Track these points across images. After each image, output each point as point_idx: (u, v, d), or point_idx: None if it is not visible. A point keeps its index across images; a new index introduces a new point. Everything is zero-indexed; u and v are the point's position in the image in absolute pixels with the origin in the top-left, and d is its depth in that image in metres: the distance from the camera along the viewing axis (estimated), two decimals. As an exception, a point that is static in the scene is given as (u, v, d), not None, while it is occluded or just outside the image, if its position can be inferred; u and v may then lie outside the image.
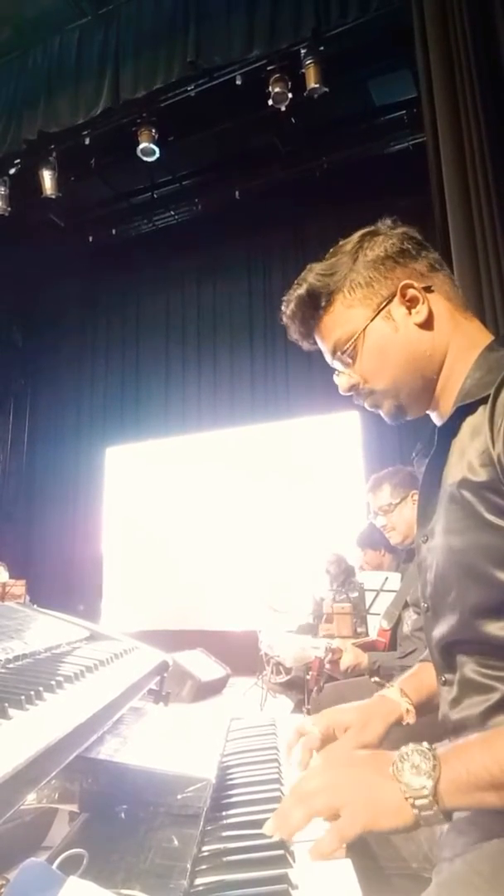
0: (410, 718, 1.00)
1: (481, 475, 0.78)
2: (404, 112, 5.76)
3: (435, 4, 3.22)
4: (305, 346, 1.01)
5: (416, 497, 2.23)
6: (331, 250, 0.98)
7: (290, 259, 7.26)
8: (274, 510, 6.96)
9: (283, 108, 5.02)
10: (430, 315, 0.91)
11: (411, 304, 0.91)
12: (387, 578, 2.85)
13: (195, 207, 7.06)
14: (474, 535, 0.79)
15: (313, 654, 2.41)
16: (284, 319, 0.99)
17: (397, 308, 0.91)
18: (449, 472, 0.85)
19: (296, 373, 7.09)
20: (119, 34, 5.00)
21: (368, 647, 2.29)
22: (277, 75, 4.86)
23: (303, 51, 4.70)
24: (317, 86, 4.69)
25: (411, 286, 0.91)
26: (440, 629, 0.88)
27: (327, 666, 2.21)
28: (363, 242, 0.95)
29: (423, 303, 0.91)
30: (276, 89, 4.88)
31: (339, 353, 0.94)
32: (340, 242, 0.97)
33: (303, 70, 4.73)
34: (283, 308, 0.99)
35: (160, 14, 4.85)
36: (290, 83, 4.86)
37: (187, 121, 5.71)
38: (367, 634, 2.73)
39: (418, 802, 0.66)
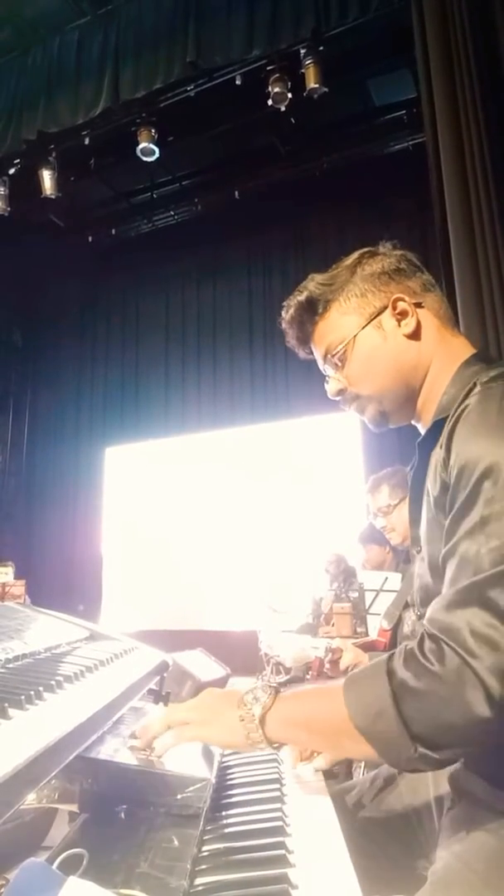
0: None
1: (437, 489, 0.83)
2: (404, 112, 5.76)
3: (435, 4, 3.22)
4: (301, 353, 1.06)
5: None
6: (333, 265, 1.03)
7: (290, 259, 7.26)
8: (274, 510, 6.96)
9: (282, 108, 5.01)
10: (419, 328, 0.96)
11: (401, 316, 0.96)
12: (387, 578, 2.85)
13: (195, 207, 7.05)
14: (441, 545, 0.82)
15: (313, 655, 2.41)
16: (283, 325, 1.04)
17: (388, 319, 0.96)
18: (428, 486, 0.89)
19: (295, 373, 7.08)
20: (119, 34, 5.00)
21: (368, 648, 2.28)
22: (277, 75, 4.85)
23: (302, 51, 4.69)
24: (316, 86, 4.68)
25: (402, 299, 0.96)
26: None
27: (327, 666, 2.21)
28: (362, 259, 1.01)
29: (412, 316, 0.96)
30: (276, 89, 4.87)
31: (329, 357, 0.99)
32: (342, 258, 1.03)
33: (303, 70, 4.73)
34: (282, 314, 1.04)
35: (160, 14, 4.85)
36: (289, 83, 4.85)
37: (187, 121, 5.71)
38: (367, 634, 2.73)
39: (248, 725, 0.80)
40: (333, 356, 0.98)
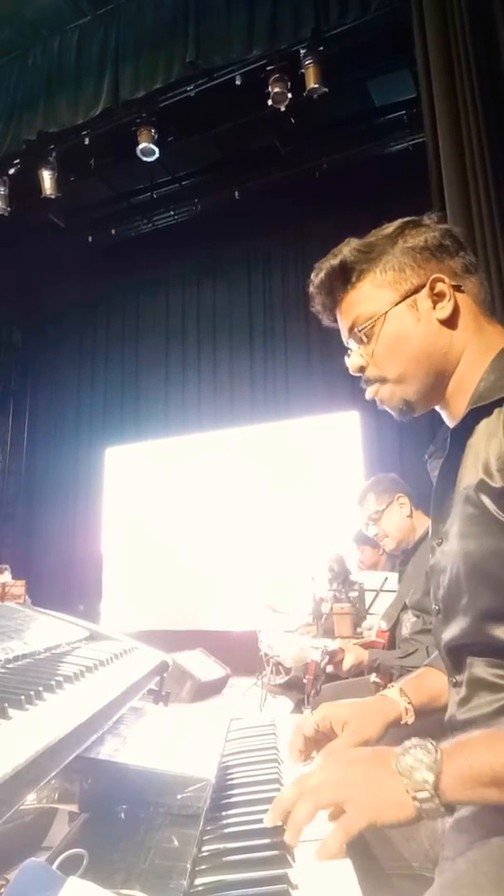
0: (409, 718, 1.00)
1: (499, 480, 0.78)
2: (404, 112, 5.77)
3: (435, 4, 3.22)
4: (326, 320, 1.01)
5: (401, 500, 2.26)
6: (372, 231, 0.97)
7: (290, 259, 7.26)
8: (273, 510, 6.96)
9: (282, 109, 5.02)
10: (455, 313, 0.90)
11: (438, 298, 0.90)
12: (386, 578, 2.85)
13: (195, 207, 7.06)
14: (490, 540, 0.79)
15: (313, 655, 2.41)
16: (311, 289, 0.98)
17: (424, 300, 0.90)
18: (464, 475, 0.85)
19: (295, 373, 7.09)
20: (119, 34, 5.00)
21: (367, 648, 2.29)
22: (277, 75, 4.86)
23: (302, 51, 4.70)
24: (316, 86, 4.69)
25: (441, 281, 0.90)
26: (450, 632, 0.88)
27: (329, 668, 2.22)
28: (405, 229, 0.94)
29: (450, 300, 0.90)
30: (276, 89, 4.88)
31: (355, 330, 0.94)
32: (383, 225, 0.97)
33: (302, 70, 4.74)
34: (312, 276, 0.98)
35: (160, 14, 4.85)
36: (289, 83, 4.87)
37: (187, 121, 5.72)
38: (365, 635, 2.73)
39: (420, 795, 0.66)
40: (360, 330, 0.93)
